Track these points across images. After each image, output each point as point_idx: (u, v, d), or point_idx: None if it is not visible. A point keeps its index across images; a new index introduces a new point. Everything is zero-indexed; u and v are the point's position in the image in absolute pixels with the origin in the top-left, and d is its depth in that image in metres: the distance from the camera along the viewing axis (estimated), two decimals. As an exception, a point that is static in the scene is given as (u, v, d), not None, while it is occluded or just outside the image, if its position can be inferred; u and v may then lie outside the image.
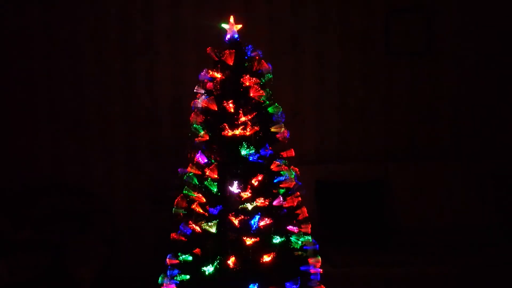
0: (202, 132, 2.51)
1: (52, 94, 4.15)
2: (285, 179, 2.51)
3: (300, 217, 2.54)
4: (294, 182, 2.54)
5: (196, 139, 2.52)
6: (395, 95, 4.31)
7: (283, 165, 2.52)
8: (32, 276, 3.37)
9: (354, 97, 4.29)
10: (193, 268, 2.44)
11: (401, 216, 3.96)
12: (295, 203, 2.52)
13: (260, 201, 2.43)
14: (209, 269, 2.40)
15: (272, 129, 2.54)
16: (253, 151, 2.46)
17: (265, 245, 2.41)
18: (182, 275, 2.46)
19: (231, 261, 2.39)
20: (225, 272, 2.38)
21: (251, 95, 2.49)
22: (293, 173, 2.55)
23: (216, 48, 2.54)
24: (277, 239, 2.44)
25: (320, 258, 2.55)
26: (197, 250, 2.45)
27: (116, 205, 4.17)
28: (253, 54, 2.55)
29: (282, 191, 2.50)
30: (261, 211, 2.43)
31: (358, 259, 3.51)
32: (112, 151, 4.21)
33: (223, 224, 2.42)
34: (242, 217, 2.41)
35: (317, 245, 2.55)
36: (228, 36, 2.56)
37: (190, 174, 2.51)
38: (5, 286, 3.29)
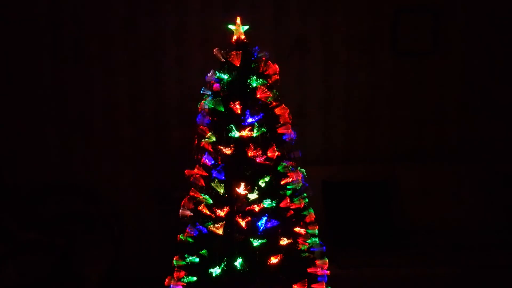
0: (209, 133, 2.51)
1: (60, 95, 4.16)
2: (292, 180, 2.51)
3: (307, 218, 2.54)
4: (301, 184, 2.54)
5: (203, 140, 2.52)
6: (402, 95, 4.29)
7: (290, 166, 2.51)
8: (40, 277, 3.38)
9: (360, 97, 4.28)
10: (200, 269, 2.44)
11: (409, 217, 3.94)
12: (302, 205, 2.52)
13: (267, 203, 2.43)
14: (216, 270, 2.40)
15: (279, 130, 2.53)
16: (260, 152, 2.45)
17: (272, 247, 2.41)
18: (189, 277, 2.47)
19: (238, 262, 2.38)
20: (232, 273, 2.38)
21: (258, 96, 2.48)
22: (300, 174, 2.55)
23: (222, 49, 2.54)
24: (284, 241, 2.44)
25: (327, 260, 2.55)
26: (203, 252, 2.45)
27: (123, 206, 4.18)
28: (259, 55, 2.55)
29: (289, 192, 2.50)
30: (268, 213, 2.43)
31: (365, 260, 3.49)
32: (119, 152, 4.22)
33: (230, 226, 2.42)
34: (249, 218, 2.41)
35: (324, 247, 2.55)
36: (234, 37, 2.56)
37: (197, 175, 2.51)
38: (14, 286, 3.30)
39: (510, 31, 4.27)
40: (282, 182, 2.49)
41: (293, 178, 2.50)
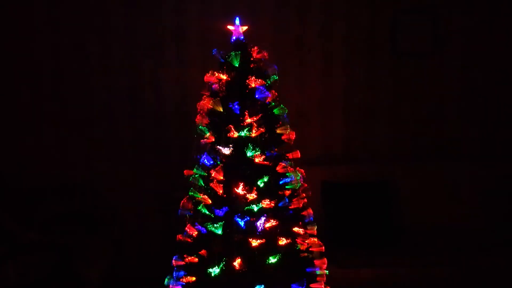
0: (208, 134, 2.51)
1: (59, 95, 4.17)
2: (290, 181, 2.51)
3: (306, 218, 2.54)
4: (300, 184, 2.54)
5: (202, 140, 2.53)
6: (401, 96, 4.29)
7: (289, 167, 2.52)
8: (39, 277, 3.38)
9: (360, 97, 4.27)
10: (199, 269, 2.45)
11: (408, 217, 3.94)
12: (301, 205, 2.53)
13: (265, 203, 2.44)
14: (215, 270, 2.41)
15: (278, 131, 2.54)
16: (259, 152, 2.46)
17: (271, 247, 2.42)
18: (188, 277, 2.47)
19: (237, 262, 2.39)
20: (231, 273, 2.39)
21: (257, 96, 2.49)
22: (299, 174, 2.55)
23: (221, 50, 2.55)
24: (283, 241, 2.44)
25: (326, 259, 2.55)
26: (203, 252, 2.45)
27: (123, 206, 4.18)
28: (258, 55, 2.56)
29: (288, 192, 2.50)
30: (267, 213, 2.43)
31: (364, 260, 3.50)
32: (119, 152, 4.22)
33: (229, 226, 2.43)
34: (248, 218, 2.41)
35: (323, 247, 2.55)
36: (233, 38, 2.57)
37: (196, 175, 2.51)
38: (14, 286, 3.30)
39: (510, 31, 4.27)
40: (281, 182, 2.49)
41: (292, 178, 2.50)
